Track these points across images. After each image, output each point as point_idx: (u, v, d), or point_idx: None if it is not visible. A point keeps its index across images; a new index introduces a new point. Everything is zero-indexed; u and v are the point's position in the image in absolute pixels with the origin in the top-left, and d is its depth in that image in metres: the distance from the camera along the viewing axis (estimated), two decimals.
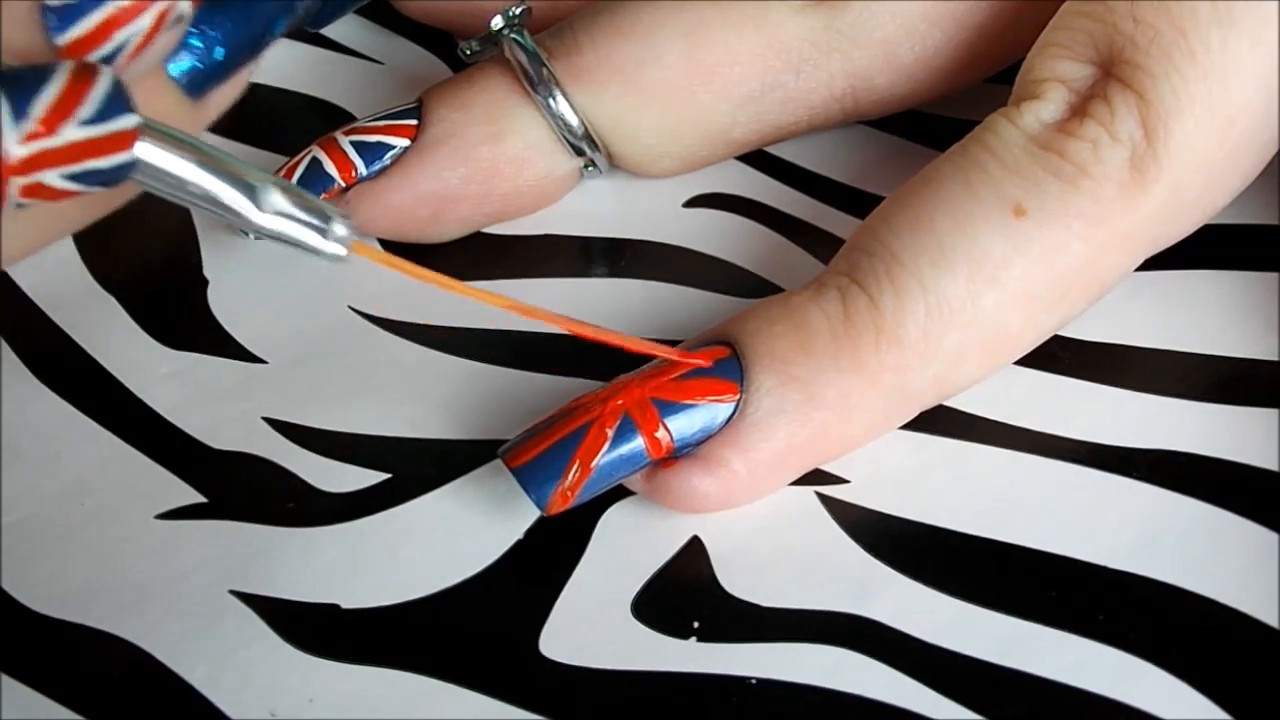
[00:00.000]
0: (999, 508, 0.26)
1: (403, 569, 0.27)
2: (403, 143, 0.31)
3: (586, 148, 0.31)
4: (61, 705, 0.26)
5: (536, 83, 0.30)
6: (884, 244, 0.26)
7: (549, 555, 0.27)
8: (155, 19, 0.21)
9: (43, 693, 0.26)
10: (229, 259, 0.33)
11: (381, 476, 0.28)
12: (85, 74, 0.19)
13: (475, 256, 0.32)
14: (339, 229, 0.23)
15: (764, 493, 0.27)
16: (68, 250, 0.33)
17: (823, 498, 0.27)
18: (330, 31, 0.38)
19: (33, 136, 0.19)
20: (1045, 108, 0.26)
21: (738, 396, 0.26)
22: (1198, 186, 0.26)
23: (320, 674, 0.25)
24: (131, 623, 0.26)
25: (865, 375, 0.26)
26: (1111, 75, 0.26)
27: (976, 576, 0.26)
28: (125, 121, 0.20)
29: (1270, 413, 0.27)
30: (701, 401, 0.26)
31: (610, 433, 0.26)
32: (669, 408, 0.26)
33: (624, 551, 0.27)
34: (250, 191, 0.22)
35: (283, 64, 0.37)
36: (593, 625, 0.26)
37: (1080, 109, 0.26)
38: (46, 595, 0.27)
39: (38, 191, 0.20)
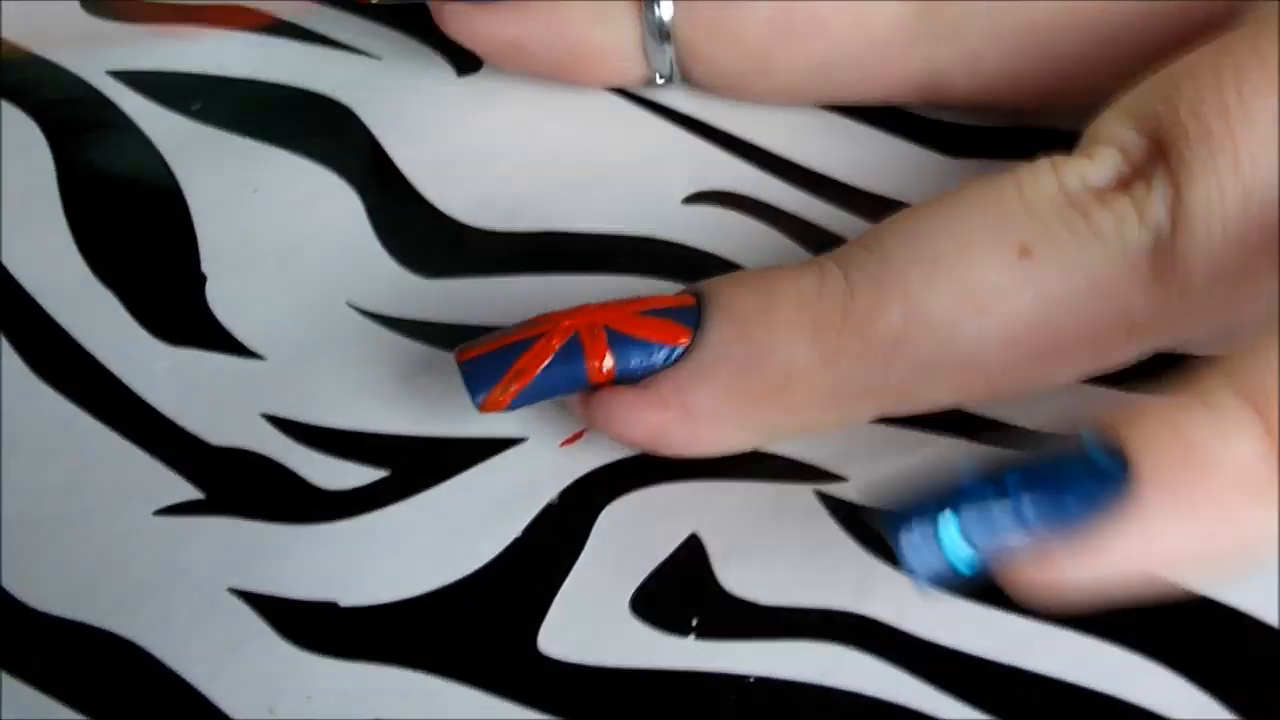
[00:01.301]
0: None
1: (401, 566, 0.27)
2: None
3: (666, 56, 0.32)
4: (60, 703, 0.26)
5: None
6: (881, 244, 0.26)
7: (547, 552, 0.27)
8: None
9: (41, 690, 0.26)
10: (227, 255, 0.33)
11: (380, 474, 0.28)
12: None
13: (475, 254, 0.32)
14: None
15: (698, 441, 0.27)
16: (66, 246, 0.33)
17: (821, 495, 0.27)
18: (329, 29, 0.38)
19: None
20: (1093, 169, 0.26)
21: (687, 342, 0.26)
22: (1217, 297, 0.25)
23: (319, 671, 0.25)
24: (129, 620, 0.26)
25: (818, 352, 0.26)
26: (1163, 158, 0.25)
27: None
28: None
29: None
30: (651, 340, 0.26)
31: (557, 348, 0.26)
32: (618, 339, 0.26)
33: (622, 548, 0.27)
34: None
35: (282, 61, 0.37)
36: (591, 622, 0.26)
37: (1124, 182, 0.25)
38: (44, 592, 0.27)
39: None
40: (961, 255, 0.25)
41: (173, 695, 0.25)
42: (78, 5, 0.39)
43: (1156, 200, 0.25)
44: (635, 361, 0.26)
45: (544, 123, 0.35)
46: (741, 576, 0.26)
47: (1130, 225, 0.25)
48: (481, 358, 0.26)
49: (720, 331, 0.26)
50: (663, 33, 0.32)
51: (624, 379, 0.26)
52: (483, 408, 0.26)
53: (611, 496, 0.27)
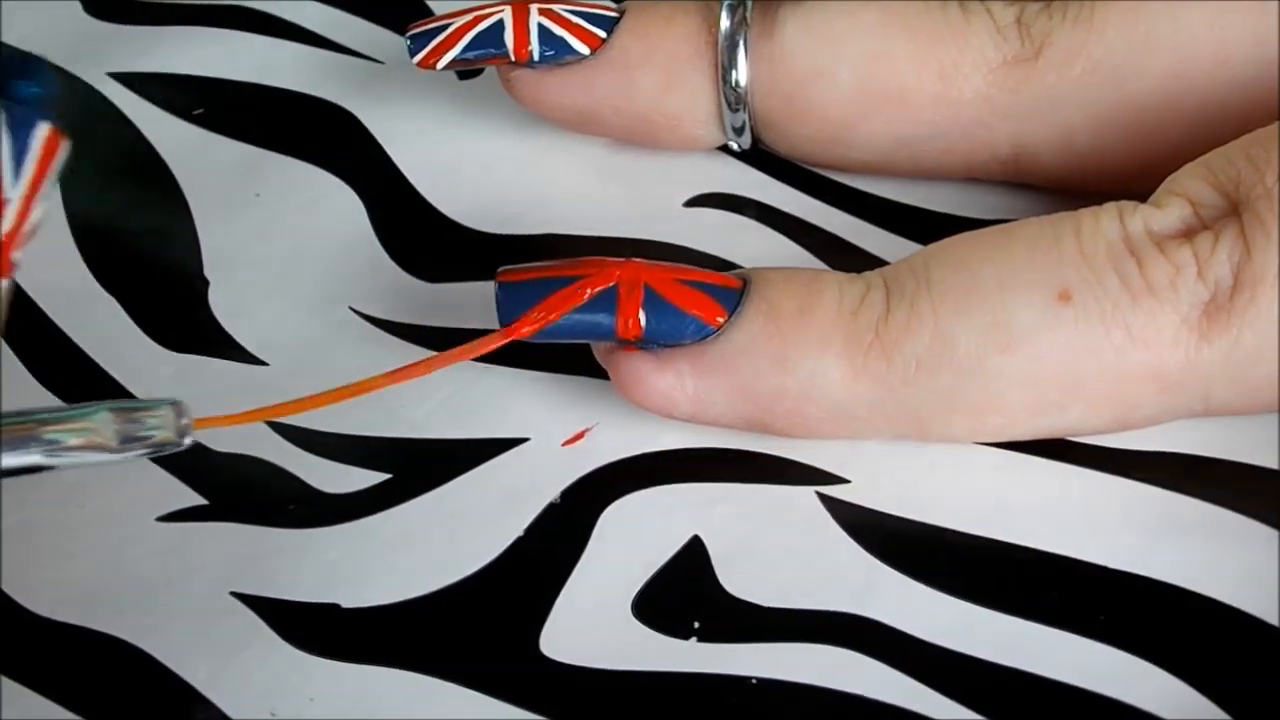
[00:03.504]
0: (999, 508, 0.26)
1: (403, 568, 0.27)
2: (584, 50, 0.31)
3: (740, 124, 0.31)
4: (62, 707, 0.26)
5: (730, 48, 0.30)
6: (927, 267, 0.26)
7: (549, 555, 0.27)
8: None
9: (43, 695, 0.26)
10: (230, 260, 0.33)
11: (382, 477, 0.28)
12: None
13: (477, 258, 0.32)
14: (182, 421, 0.24)
15: (702, 419, 0.27)
16: (68, 250, 0.33)
17: (823, 497, 0.27)
18: (330, 31, 0.38)
19: None
20: (1159, 217, 0.25)
21: (720, 324, 0.26)
22: (1261, 369, 0.25)
23: (321, 673, 0.25)
24: (132, 624, 0.26)
25: (843, 368, 0.26)
26: (1236, 215, 0.24)
27: (976, 576, 0.26)
28: None
29: (1270, 412, 0.27)
30: (687, 311, 0.26)
31: (590, 294, 0.26)
32: (655, 301, 0.26)
33: (624, 551, 0.27)
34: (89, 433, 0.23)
35: (283, 64, 0.37)
36: (593, 625, 0.26)
37: (1189, 232, 0.25)
38: (47, 598, 0.27)
39: None
40: (999, 290, 0.25)
41: (175, 698, 0.25)
42: (79, 6, 0.39)
43: (1221, 256, 0.24)
44: (665, 327, 0.26)
45: (545, 126, 0.35)
46: (743, 579, 0.26)
47: (1188, 279, 0.24)
48: (517, 284, 0.26)
49: (755, 324, 0.26)
50: (738, 102, 0.31)
51: (650, 342, 0.26)
52: (510, 328, 0.26)
53: (613, 498, 0.27)
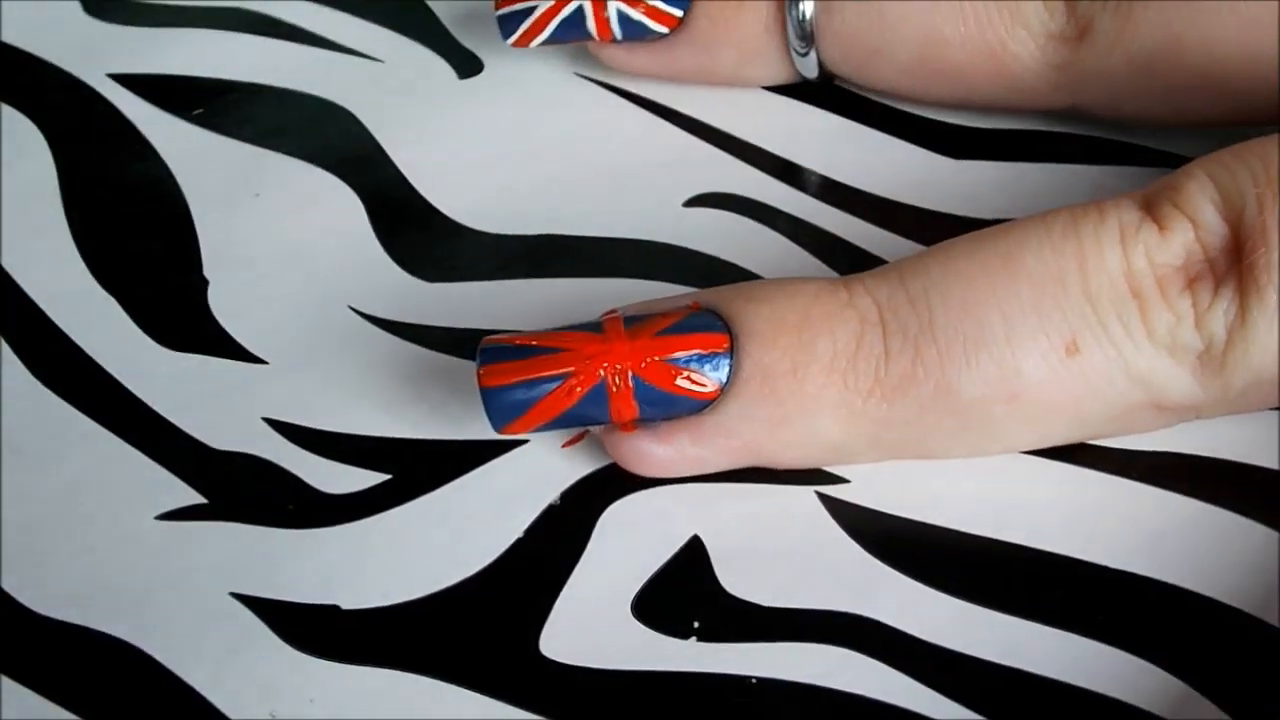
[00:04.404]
0: (999, 508, 0.26)
1: (402, 569, 0.27)
2: (661, 30, 0.34)
3: (817, 80, 0.34)
4: (61, 707, 0.26)
5: (799, 36, 0.32)
6: (929, 306, 0.25)
7: (549, 555, 0.27)
8: None
9: (42, 694, 0.26)
10: (229, 260, 0.33)
11: (382, 477, 0.28)
12: None
13: (477, 257, 0.32)
14: None
15: (705, 471, 0.27)
16: (68, 250, 0.33)
17: (823, 497, 0.27)
18: (330, 31, 0.38)
19: None
20: (1163, 249, 0.25)
21: (714, 397, 0.26)
22: (1253, 401, 0.25)
23: (321, 675, 0.25)
24: (131, 624, 0.26)
25: (843, 417, 0.26)
26: (1236, 267, 0.24)
27: (976, 576, 0.26)
28: None
29: (1270, 413, 0.27)
30: (678, 395, 0.26)
31: (582, 394, 0.26)
32: (645, 389, 0.26)
33: (624, 551, 0.27)
34: None
35: (283, 64, 0.37)
36: (593, 625, 0.26)
37: (1191, 277, 0.25)
38: (46, 596, 0.27)
39: None
40: (1006, 341, 0.25)
41: (174, 699, 0.25)
42: (79, 7, 0.39)
43: (1218, 313, 0.24)
44: (659, 410, 0.26)
45: (545, 126, 0.35)
46: (743, 579, 0.26)
47: (1186, 329, 0.24)
48: (505, 388, 0.26)
49: (749, 390, 0.26)
50: (810, 69, 0.33)
51: (646, 421, 0.26)
52: (503, 432, 0.26)
53: (613, 498, 0.27)
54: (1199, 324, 0.24)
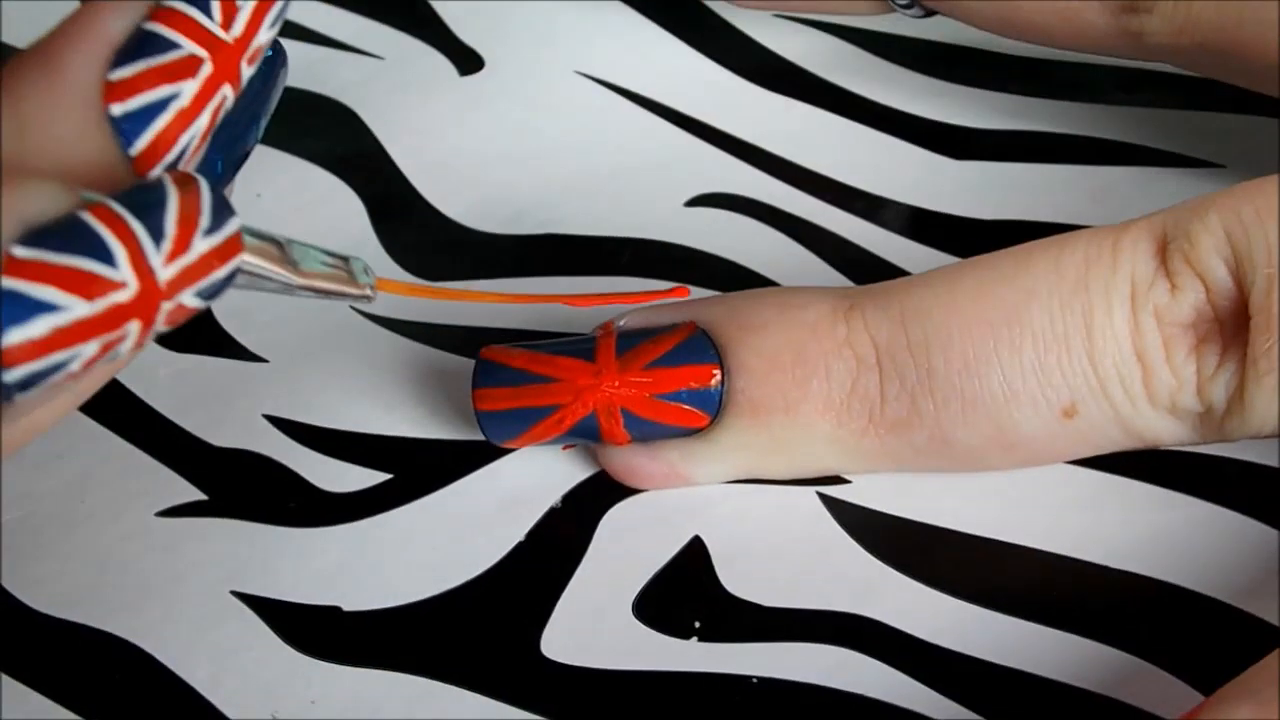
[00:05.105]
0: (999, 508, 0.26)
1: (404, 570, 0.27)
2: None
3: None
4: (61, 706, 0.25)
5: None
6: (928, 356, 0.25)
7: (550, 556, 0.27)
8: (210, 117, 0.20)
9: (42, 693, 0.26)
10: None
11: (383, 477, 0.28)
12: (188, 184, 0.19)
13: (477, 256, 0.32)
14: (364, 276, 0.23)
15: (696, 485, 0.27)
16: None
17: (823, 498, 0.27)
18: (329, 28, 0.38)
19: (173, 256, 0.18)
20: (1172, 308, 0.24)
21: (705, 425, 0.26)
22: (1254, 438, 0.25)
23: (322, 676, 0.25)
24: (132, 623, 0.26)
25: (836, 449, 0.26)
26: (1241, 339, 0.24)
27: (976, 576, 0.26)
28: (232, 225, 0.19)
29: None
30: (669, 424, 0.26)
31: (573, 425, 0.26)
32: (636, 421, 0.26)
33: (625, 552, 0.27)
34: (293, 265, 0.22)
35: None
36: (594, 625, 0.26)
37: (1199, 338, 0.24)
38: (47, 594, 0.27)
39: (177, 315, 0.19)
40: (1006, 402, 0.25)
41: (174, 699, 0.25)
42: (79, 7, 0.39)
43: (1220, 384, 0.24)
44: (650, 435, 0.26)
45: (546, 125, 0.35)
46: (744, 579, 0.26)
47: (1187, 395, 0.24)
48: (499, 414, 0.26)
49: (740, 423, 0.26)
50: (910, 6, 0.33)
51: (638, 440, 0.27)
52: (498, 446, 0.27)
53: (614, 500, 0.27)
54: (1200, 391, 0.24)
